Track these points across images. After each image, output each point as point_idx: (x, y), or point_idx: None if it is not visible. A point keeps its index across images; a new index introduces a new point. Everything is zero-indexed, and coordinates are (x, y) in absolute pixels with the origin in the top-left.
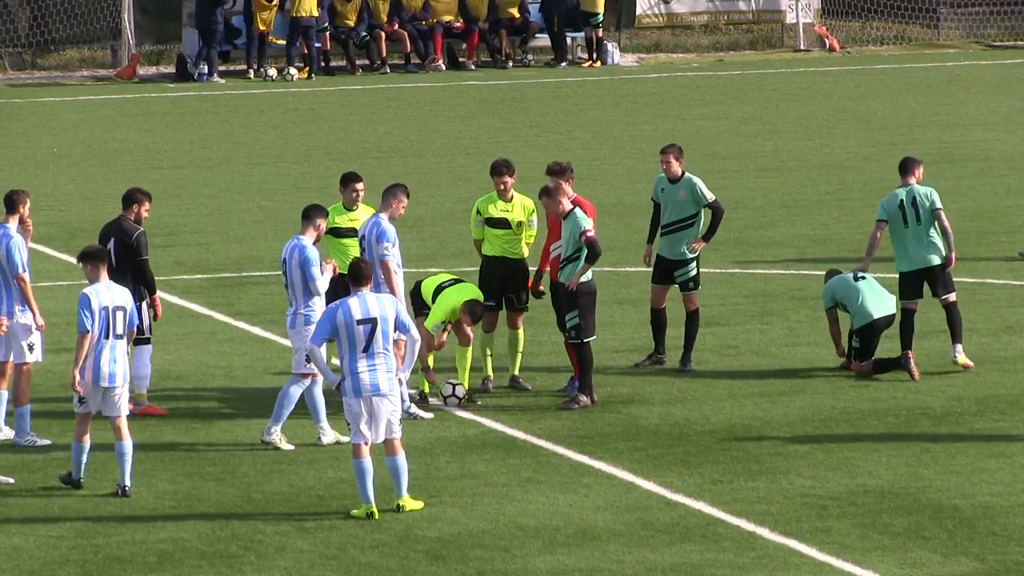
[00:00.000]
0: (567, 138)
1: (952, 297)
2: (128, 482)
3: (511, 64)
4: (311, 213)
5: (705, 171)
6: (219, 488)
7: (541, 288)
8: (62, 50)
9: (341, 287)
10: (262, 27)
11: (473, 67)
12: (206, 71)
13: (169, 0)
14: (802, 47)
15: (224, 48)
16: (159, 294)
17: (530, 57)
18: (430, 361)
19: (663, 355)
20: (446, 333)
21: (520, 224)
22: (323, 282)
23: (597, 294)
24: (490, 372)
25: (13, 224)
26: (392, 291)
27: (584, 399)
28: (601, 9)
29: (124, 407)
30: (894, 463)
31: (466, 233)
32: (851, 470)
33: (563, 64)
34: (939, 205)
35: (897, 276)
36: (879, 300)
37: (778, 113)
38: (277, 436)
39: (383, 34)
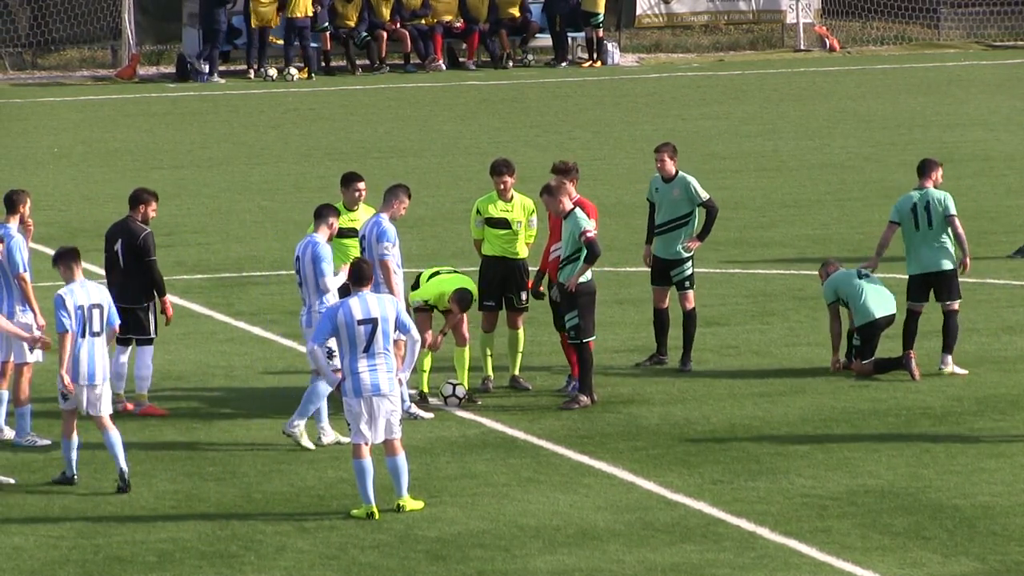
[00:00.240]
0: (567, 138)
1: (955, 306)
2: (125, 465)
3: (511, 64)
4: (324, 212)
5: (705, 171)
6: (219, 488)
7: (542, 289)
8: (62, 50)
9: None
10: (256, 22)
11: (473, 67)
12: (206, 71)
13: (169, 0)
14: (802, 47)
15: (224, 48)
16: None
17: (530, 57)
18: (427, 362)
19: (665, 356)
20: (442, 336)
21: (520, 224)
22: (334, 281)
23: (597, 294)
24: (490, 372)
25: (14, 224)
26: (392, 291)
27: (584, 399)
28: (602, 9)
29: (107, 406)
30: (894, 463)
31: (466, 233)
32: (851, 470)
33: (563, 64)
34: (952, 212)
35: (907, 278)
36: (881, 299)
37: (778, 113)
38: (299, 430)
39: (384, 34)
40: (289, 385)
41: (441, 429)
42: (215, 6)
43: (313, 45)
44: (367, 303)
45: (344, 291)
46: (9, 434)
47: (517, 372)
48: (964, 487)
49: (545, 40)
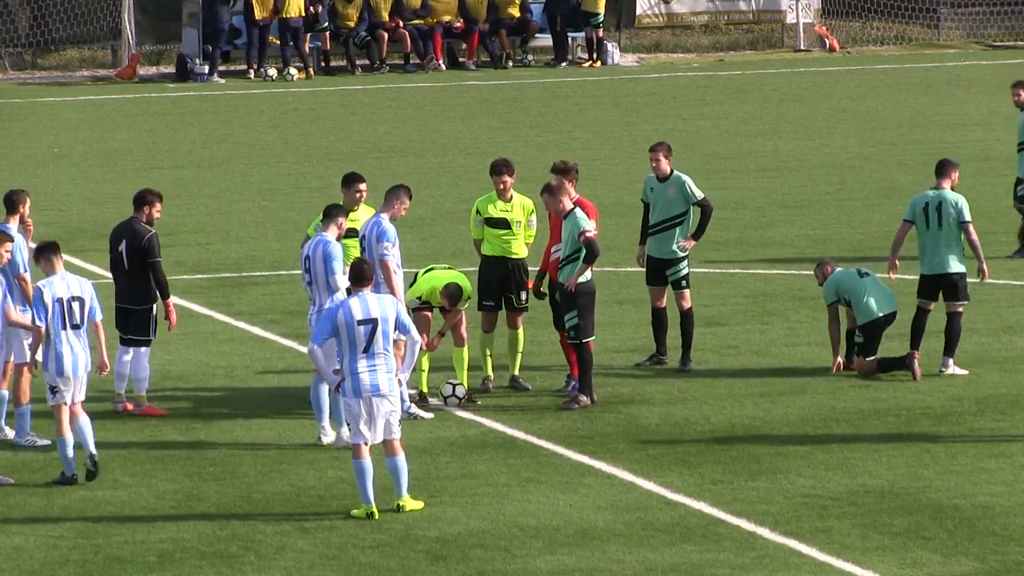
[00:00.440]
0: (567, 138)
1: (959, 308)
2: (94, 449)
3: (511, 64)
4: (333, 212)
5: (705, 171)
6: (219, 488)
7: (543, 289)
8: (62, 50)
9: None
10: (261, 15)
11: (473, 67)
12: (207, 71)
13: (169, 0)
14: (802, 47)
15: (224, 48)
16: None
17: (530, 57)
18: (425, 362)
19: (664, 356)
20: (440, 336)
21: (519, 224)
22: (344, 280)
23: (596, 294)
24: (490, 372)
25: (13, 224)
26: (392, 291)
27: (584, 399)
28: (602, 9)
29: (82, 393)
30: (894, 463)
31: (466, 233)
32: (851, 470)
33: (563, 64)
34: (967, 218)
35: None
36: (883, 297)
37: (778, 113)
38: (330, 435)
39: (384, 34)
40: (289, 385)
41: (441, 429)
42: (218, 5)
43: (314, 44)
44: (367, 303)
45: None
46: (9, 434)
47: (517, 372)
48: (964, 487)
49: (545, 40)
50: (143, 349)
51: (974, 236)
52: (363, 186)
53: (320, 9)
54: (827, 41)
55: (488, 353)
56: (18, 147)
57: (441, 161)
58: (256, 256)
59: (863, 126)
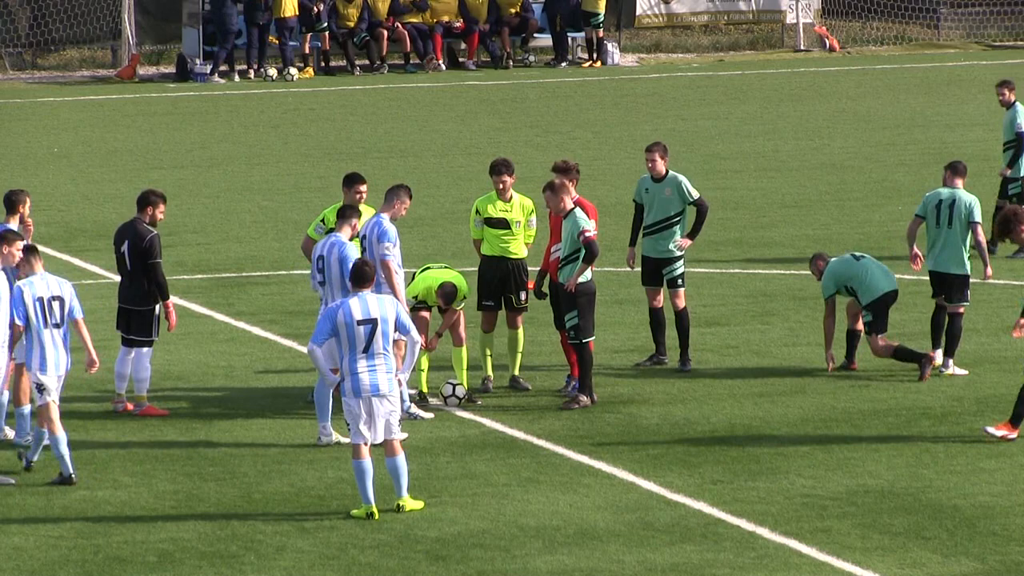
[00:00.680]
0: (567, 138)
1: (960, 309)
2: (36, 457)
3: (511, 64)
4: (348, 213)
5: (705, 171)
6: (219, 488)
7: (544, 290)
8: (62, 50)
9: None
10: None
11: (473, 67)
12: (208, 71)
13: (169, 0)
14: (802, 47)
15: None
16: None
17: (530, 57)
18: (424, 362)
19: (664, 356)
20: (438, 336)
21: (519, 224)
22: None
23: (596, 294)
24: (490, 372)
25: (13, 224)
26: (393, 291)
27: (584, 399)
28: (602, 9)
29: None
30: (894, 463)
31: (466, 233)
32: (851, 470)
33: (563, 64)
34: (977, 219)
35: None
36: (883, 274)
37: (778, 113)
38: (332, 436)
39: (384, 32)
40: (289, 385)
41: (441, 429)
42: (228, 6)
43: (314, 45)
44: (367, 303)
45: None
46: (9, 434)
47: (517, 372)
48: (964, 487)
49: (545, 40)
50: (145, 350)
51: (981, 237)
52: (363, 187)
53: (320, 9)
54: (827, 41)
55: (488, 353)
56: (18, 147)
57: (441, 161)
58: (256, 256)
59: (863, 126)
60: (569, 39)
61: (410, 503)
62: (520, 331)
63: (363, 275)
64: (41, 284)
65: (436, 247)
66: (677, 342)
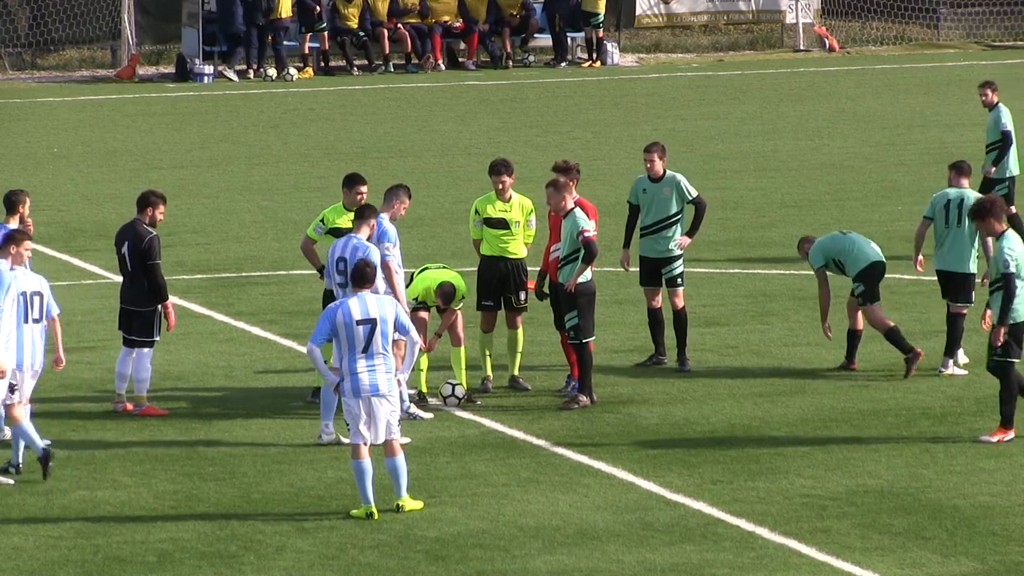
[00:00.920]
0: (567, 138)
1: (963, 310)
2: (43, 442)
3: (511, 64)
4: (365, 213)
5: (705, 171)
6: (219, 488)
7: (544, 290)
8: (62, 50)
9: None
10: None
11: (473, 67)
12: (209, 71)
13: (169, 0)
14: (802, 47)
15: (223, 48)
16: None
17: (530, 57)
18: (424, 362)
19: (664, 356)
20: (437, 336)
21: (518, 224)
22: (383, 284)
23: (596, 294)
24: (489, 372)
25: (13, 224)
26: (393, 291)
27: (584, 399)
28: (602, 9)
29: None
30: (894, 463)
31: (465, 233)
32: (851, 470)
33: (563, 64)
34: None
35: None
36: (870, 247)
37: (778, 113)
38: (333, 435)
39: (385, 32)
40: (289, 385)
41: (440, 429)
42: (235, 6)
43: (313, 45)
44: (366, 303)
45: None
46: (8, 434)
47: (516, 372)
48: (964, 487)
49: (545, 40)
50: (146, 350)
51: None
52: (364, 189)
53: (320, 8)
54: (827, 41)
55: (487, 353)
56: (18, 147)
57: (440, 161)
58: (256, 256)
59: (862, 126)
60: (569, 39)
61: (409, 503)
62: (520, 331)
63: (364, 276)
64: (24, 279)
65: (435, 247)
66: (676, 342)
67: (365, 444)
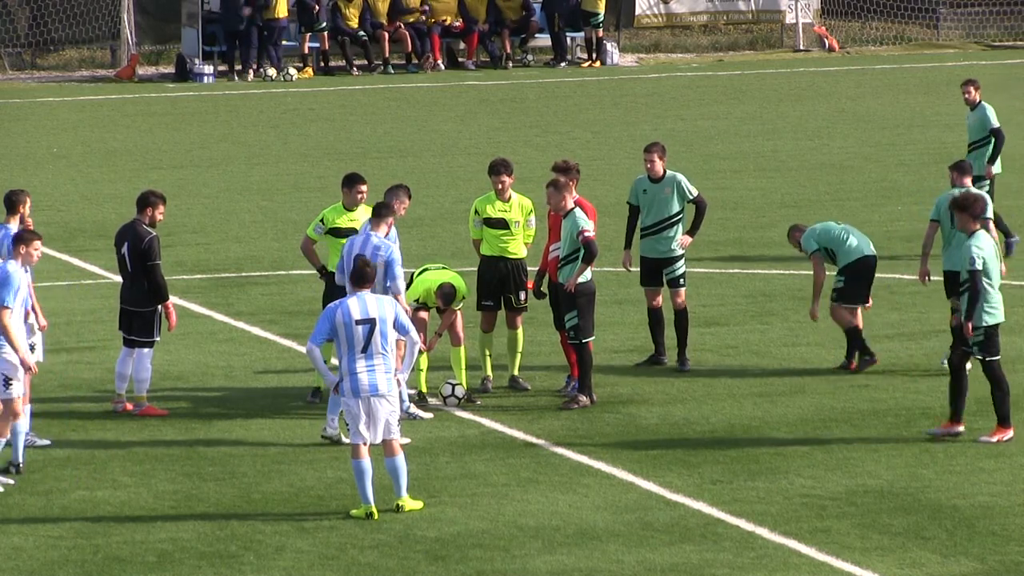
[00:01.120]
0: (567, 138)
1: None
2: (20, 459)
3: (511, 64)
4: (382, 211)
5: (704, 171)
6: (219, 488)
7: (544, 290)
8: (62, 50)
9: (338, 288)
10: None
11: (472, 67)
12: (209, 71)
13: (169, 0)
14: (802, 47)
15: (223, 48)
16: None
17: (530, 57)
18: (423, 362)
19: (663, 356)
20: (437, 336)
21: (518, 224)
22: (403, 286)
23: (596, 294)
24: (489, 372)
25: (13, 224)
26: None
27: (584, 399)
28: (601, 9)
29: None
30: (894, 463)
31: (465, 233)
32: (851, 470)
33: (563, 64)
34: (989, 215)
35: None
36: (862, 240)
37: (778, 113)
38: (337, 431)
39: (385, 34)
40: (288, 385)
41: (440, 429)
42: (240, 6)
43: (313, 45)
44: (365, 303)
45: (330, 295)
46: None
47: (516, 372)
48: (964, 487)
49: (545, 40)
50: (146, 350)
51: (994, 233)
52: (364, 188)
53: (319, 8)
54: (826, 41)
55: (487, 353)
56: (18, 147)
57: (440, 161)
58: (255, 256)
59: (862, 126)
60: (568, 39)
61: (409, 503)
62: (519, 331)
63: (364, 275)
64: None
65: (435, 247)
66: (676, 342)
67: (365, 444)
